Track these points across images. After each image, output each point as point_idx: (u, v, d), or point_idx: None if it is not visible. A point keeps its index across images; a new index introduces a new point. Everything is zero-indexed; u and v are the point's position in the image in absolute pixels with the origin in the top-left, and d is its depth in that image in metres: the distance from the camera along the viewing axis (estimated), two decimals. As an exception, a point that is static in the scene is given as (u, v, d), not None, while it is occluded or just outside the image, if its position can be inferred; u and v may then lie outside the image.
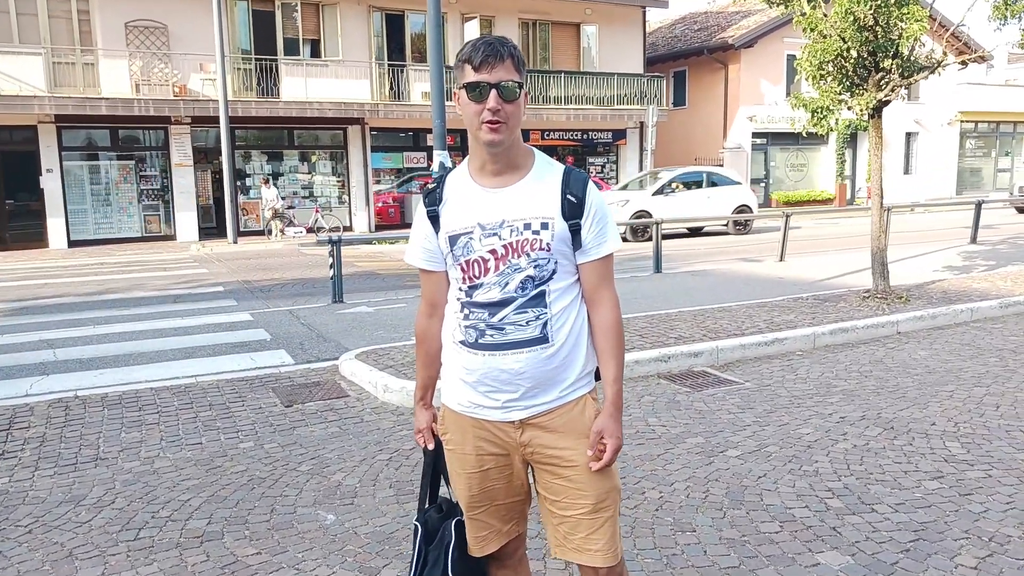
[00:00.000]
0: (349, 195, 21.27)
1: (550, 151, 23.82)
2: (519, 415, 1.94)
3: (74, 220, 18.35)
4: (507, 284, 1.88)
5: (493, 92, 1.80)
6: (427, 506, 2.16)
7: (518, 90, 1.83)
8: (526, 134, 23.95)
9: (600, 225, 1.92)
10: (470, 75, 1.82)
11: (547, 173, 1.93)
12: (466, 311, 1.93)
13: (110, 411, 5.10)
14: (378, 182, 21.72)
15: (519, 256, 1.87)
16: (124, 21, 18.05)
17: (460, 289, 1.94)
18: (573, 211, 1.89)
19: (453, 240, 1.91)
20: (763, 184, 26.85)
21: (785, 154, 27.46)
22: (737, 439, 4.35)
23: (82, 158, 18.57)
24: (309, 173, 21.08)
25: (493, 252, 1.88)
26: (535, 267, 1.88)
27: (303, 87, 19.77)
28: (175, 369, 6.24)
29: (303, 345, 7.06)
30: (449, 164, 6.05)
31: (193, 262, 14.71)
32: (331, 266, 9.47)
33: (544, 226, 1.87)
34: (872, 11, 7.32)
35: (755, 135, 26.28)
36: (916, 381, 5.43)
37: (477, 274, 1.90)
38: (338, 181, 21.32)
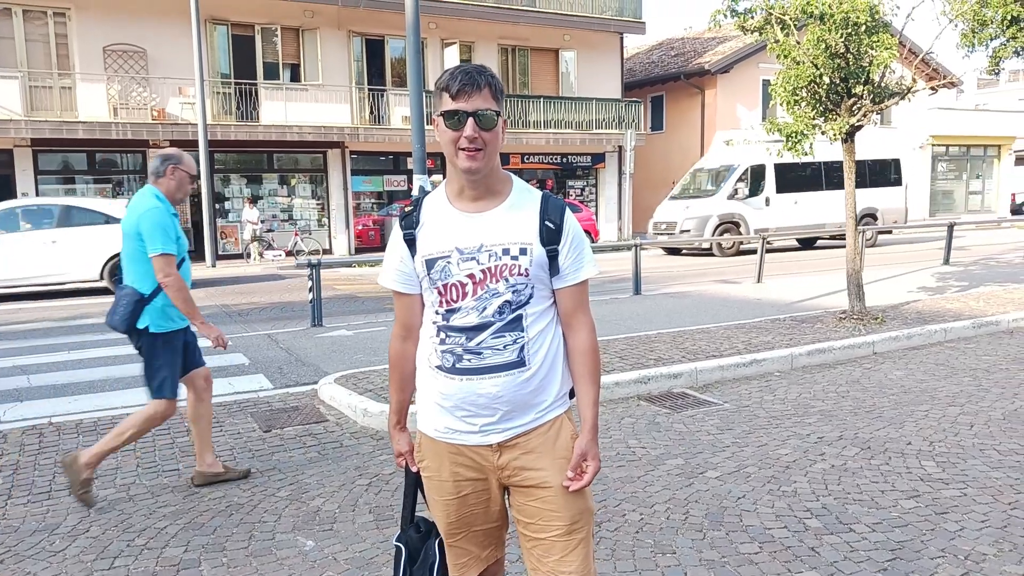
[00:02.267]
0: (329, 218, 21.25)
1: (530, 174, 24.01)
2: (497, 438, 1.94)
3: (49, 244, 18.13)
4: (485, 309, 1.89)
5: (470, 120, 1.82)
6: (408, 526, 2.16)
7: (495, 118, 1.85)
8: (506, 157, 24.18)
9: (577, 251, 1.95)
10: (448, 103, 1.84)
11: (525, 199, 1.95)
12: (442, 335, 1.93)
13: (85, 437, 5.03)
14: (358, 205, 21.73)
15: (497, 281, 1.88)
16: (102, 45, 18.02)
17: (437, 313, 1.94)
18: (551, 237, 1.91)
19: (430, 264, 1.92)
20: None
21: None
22: (716, 460, 4.37)
23: (59, 182, 18.43)
24: (288, 196, 21.05)
25: (471, 276, 1.89)
26: (513, 292, 1.89)
27: (283, 111, 19.80)
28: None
29: (282, 369, 7.01)
30: (429, 188, 6.07)
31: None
32: (310, 289, 9.43)
33: (523, 251, 1.89)
34: (843, 39, 7.49)
35: (732, 159, 26.58)
36: (892, 401, 5.49)
37: (455, 298, 1.90)
38: (318, 204, 21.31)
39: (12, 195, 17.52)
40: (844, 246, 8.56)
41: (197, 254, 19.36)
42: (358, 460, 4.53)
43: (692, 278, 13.78)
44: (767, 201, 18.93)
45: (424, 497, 2.13)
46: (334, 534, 3.55)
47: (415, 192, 5.99)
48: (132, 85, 18.26)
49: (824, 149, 20.10)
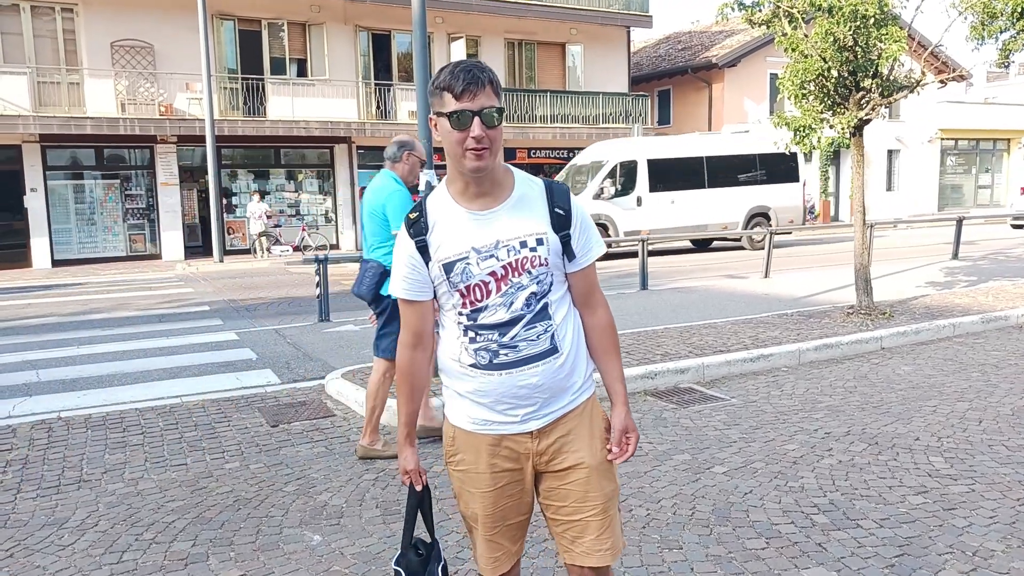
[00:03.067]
0: (336, 213, 21.28)
1: (536, 169, 23.97)
2: (536, 424, 1.96)
3: (58, 239, 18.26)
4: (513, 303, 1.90)
5: (477, 120, 1.80)
6: (407, 549, 2.11)
7: (499, 116, 1.84)
8: (512, 152, 24.15)
9: (587, 233, 1.98)
10: (451, 103, 1.81)
11: (530, 190, 1.95)
12: (471, 334, 1.93)
13: (94, 432, 5.06)
14: (365, 200, 21.75)
15: (520, 274, 1.89)
16: (110, 41, 18.07)
17: (460, 314, 1.93)
18: (562, 223, 1.93)
19: (448, 267, 1.89)
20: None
21: (769, 172, 27.66)
22: (723, 455, 4.36)
23: (67, 177, 18.51)
24: (296, 191, 21.09)
25: (493, 274, 1.88)
26: (537, 283, 1.91)
27: (290, 106, 19.82)
28: (160, 389, 6.20)
29: (289, 364, 7.03)
30: (436, 183, 6.07)
31: (178, 281, 14.64)
32: (317, 284, 9.45)
33: (539, 242, 1.90)
34: (852, 32, 7.44)
35: (739, 153, 26.47)
36: (900, 396, 5.47)
37: (479, 297, 1.90)
38: (325, 199, 21.33)
39: (21, 190, 17.62)
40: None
41: (204, 250, 19.45)
42: (365, 455, 4.54)
43: (699, 273, 13.76)
44: (639, 200, 17.33)
45: (424, 517, 2.12)
46: (341, 528, 3.56)
47: (421, 187, 5.98)
48: (139, 81, 18.30)
49: (704, 143, 18.85)
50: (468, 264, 1.88)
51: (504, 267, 1.88)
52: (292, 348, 7.76)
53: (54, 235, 18.14)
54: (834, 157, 28.21)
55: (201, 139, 17.98)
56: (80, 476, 4.30)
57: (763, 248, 13.48)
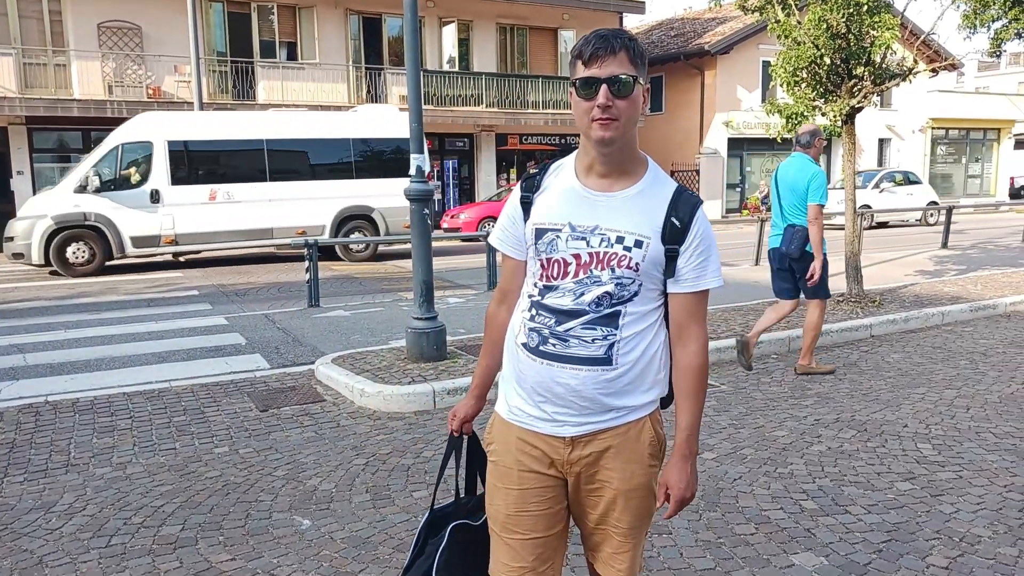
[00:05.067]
0: (326, 198, 21.14)
1: (528, 155, 23.90)
2: (571, 431, 1.81)
3: (45, 223, 18.05)
4: (582, 295, 1.76)
5: (603, 87, 1.67)
6: (438, 496, 2.08)
7: (632, 84, 1.69)
8: (504, 138, 23.97)
9: (703, 257, 1.78)
10: (580, 70, 1.71)
11: (657, 188, 1.80)
12: (533, 311, 1.81)
13: (81, 416, 5.03)
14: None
15: (602, 268, 1.75)
16: (97, 22, 17.84)
17: (535, 286, 1.82)
18: (674, 236, 1.75)
19: (540, 233, 1.80)
20: (738, 189, 27.12)
21: (761, 159, 27.74)
22: (713, 442, 4.37)
23: (53, 160, 18.31)
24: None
25: (576, 256, 1.76)
26: (616, 284, 1.75)
27: (280, 90, 19.66)
28: (148, 374, 6.16)
29: (279, 349, 7.00)
30: (426, 168, 6.03)
31: (167, 266, 14.55)
32: (307, 270, 9.40)
33: (638, 244, 1.74)
34: (845, 19, 7.42)
35: (731, 141, 26.53)
36: (889, 384, 5.50)
37: (555, 275, 1.78)
38: (315, 184, 21.19)
39: (7, 173, 17.44)
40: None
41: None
42: (355, 440, 4.54)
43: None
44: (154, 195, 13.23)
45: (460, 470, 2.08)
46: (331, 513, 3.55)
47: (412, 172, 5.95)
48: (127, 63, 18.10)
49: (268, 123, 14.13)
50: (558, 237, 1.77)
51: (590, 254, 1.75)
52: (282, 333, 7.73)
53: (41, 218, 17.95)
54: (826, 146, 28.26)
55: (190, 122, 17.80)
56: (68, 460, 4.28)
57: (364, 261, 11.47)
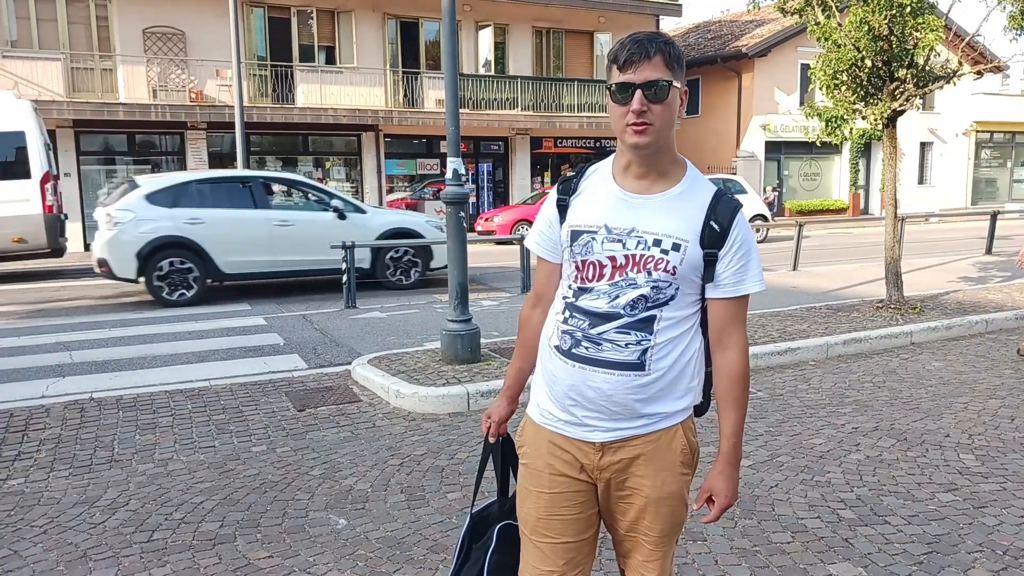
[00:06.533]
0: (363, 201, 21.36)
1: (563, 159, 23.86)
2: (601, 436, 1.79)
3: (91, 224, 18.45)
4: (617, 297, 1.74)
5: (638, 93, 1.66)
6: (477, 500, 2.09)
7: (667, 88, 1.67)
8: (539, 141, 23.96)
9: (743, 261, 1.76)
10: (615, 75, 1.70)
11: (695, 191, 1.78)
12: (567, 314, 1.81)
13: (125, 413, 5.15)
14: (391, 189, 21.81)
15: (638, 271, 1.73)
16: (142, 28, 18.24)
17: (570, 288, 1.81)
18: (713, 240, 1.73)
19: (575, 235, 1.79)
20: (776, 193, 26.80)
21: (799, 163, 27.38)
22: (749, 449, 4.33)
23: (99, 163, 18.75)
24: (323, 179, 21.19)
25: (612, 259, 1.75)
26: (652, 288, 1.73)
27: (318, 93, 19.90)
28: (189, 372, 6.28)
29: (316, 350, 7.09)
30: (463, 171, 6.07)
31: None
32: (344, 271, 9.51)
33: (675, 247, 1.72)
34: (887, 21, 7.30)
35: (768, 144, 26.21)
36: (930, 392, 5.39)
37: (590, 277, 1.77)
38: (352, 187, 21.42)
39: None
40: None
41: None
42: (390, 440, 4.58)
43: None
44: None
45: (497, 473, 2.09)
46: (366, 513, 3.59)
47: (448, 175, 5.98)
48: (171, 67, 18.47)
49: None
50: (593, 239, 1.76)
51: (626, 257, 1.73)
52: (319, 334, 7.83)
53: (87, 220, 18.39)
54: (865, 149, 27.79)
55: (230, 126, 18.09)
56: (111, 456, 4.38)
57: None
